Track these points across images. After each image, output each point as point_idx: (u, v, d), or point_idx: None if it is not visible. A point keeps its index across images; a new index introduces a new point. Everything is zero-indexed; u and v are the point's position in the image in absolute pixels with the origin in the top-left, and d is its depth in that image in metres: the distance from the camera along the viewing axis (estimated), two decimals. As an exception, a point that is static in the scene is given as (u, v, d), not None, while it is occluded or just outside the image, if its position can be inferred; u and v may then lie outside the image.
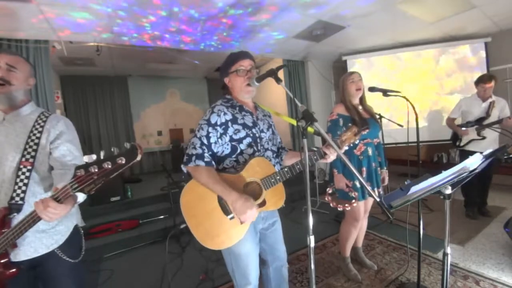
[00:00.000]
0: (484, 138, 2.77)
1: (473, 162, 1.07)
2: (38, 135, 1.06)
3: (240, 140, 1.21)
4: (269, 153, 1.31)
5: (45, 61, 2.89)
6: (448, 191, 1.16)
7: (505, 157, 3.59)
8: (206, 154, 1.15)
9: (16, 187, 0.99)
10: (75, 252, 1.15)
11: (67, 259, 1.10)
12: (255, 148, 1.25)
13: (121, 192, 3.65)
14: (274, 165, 1.29)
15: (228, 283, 2.07)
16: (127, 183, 4.06)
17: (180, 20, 2.79)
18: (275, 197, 1.26)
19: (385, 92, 1.81)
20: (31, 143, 1.04)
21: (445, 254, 1.25)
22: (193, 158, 1.13)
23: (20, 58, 1.10)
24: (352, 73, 1.92)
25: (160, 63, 5.09)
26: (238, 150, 1.22)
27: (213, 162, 1.18)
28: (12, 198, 0.98)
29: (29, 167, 1.02)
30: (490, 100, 2.75)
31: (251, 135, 1.24)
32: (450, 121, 3.09)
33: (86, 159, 0.79)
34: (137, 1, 2.35)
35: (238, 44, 3.69)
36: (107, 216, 3.29)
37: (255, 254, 1.27)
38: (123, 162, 0.78)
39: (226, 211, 1.15)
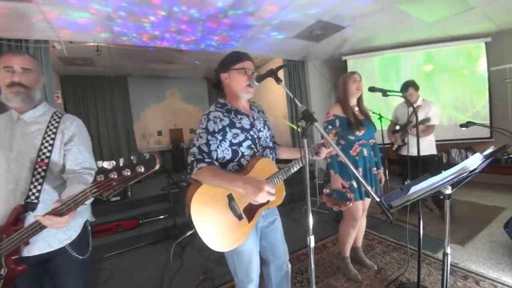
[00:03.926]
0: (404, 144, 2.88)
1: (473, 162, 1.06)
2: (52, 136, 1.10)
3: (240, 144, 1.22)
4: (267, 151, 1.33)
5: (45, 61, 2.89)
6: (448, 191, 1.15)
7: (505, 157, 3.60)
8: (206, 158, 1.14)
9: (32, 186, 1.03)
10: (83, 248, 1.18)
11: (76, 255, 1.13)
12: (255, 149, 1.26)
13: (121, 192, 3.65)
14: (275, 164, 1.32)
15: (228, 283, 2.07)
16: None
17: (180, 20, 2.79)
18: (277, 194, 1.26)
19: (384, 92, 1.81)
20: (46, 144, 1.08)
21: (445, 254, 1.25)
22: (194, 164, 1.12)
23: (30, 58, 1.12)
24: (354, 72, 1.93)
25: (160, 63, 5.09)
26: (240, 154, 1.22)
27: (216, 163, 1.18)
28: (28, 197, 1.02)
29: (44, 167, 1.06)
30: (415, 105, 2.79)
31: (250, 137, 1.25)
32: (389, 126, 3.16)
33: (106, 165, 0.81)
34: (137, 1, 2.35)
35: (238, 44, 3.69)
36: (107, 216, 3.28)
37: (256, 251, 1.28)
38: (142, 170, 0.81)
39: (236, 213, 1.15)
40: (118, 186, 0.82)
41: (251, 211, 1.19)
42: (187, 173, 1.17)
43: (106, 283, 2.29)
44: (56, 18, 2.48)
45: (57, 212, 0.87)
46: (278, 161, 1.40)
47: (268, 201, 1.21)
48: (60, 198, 1.01)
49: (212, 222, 1.12)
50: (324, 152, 1.32)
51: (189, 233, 2.70)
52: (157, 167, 0.82)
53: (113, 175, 0.79)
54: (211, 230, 1.12)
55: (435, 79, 4.23)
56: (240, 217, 1.16)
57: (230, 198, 1.15)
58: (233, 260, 1.25)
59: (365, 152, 1.90)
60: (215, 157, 1.18)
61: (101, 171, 0.80)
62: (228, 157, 1.22)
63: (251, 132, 1.26)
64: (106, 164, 0.81)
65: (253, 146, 1.25)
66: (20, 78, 1.06)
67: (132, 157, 0.82)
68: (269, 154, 1.33)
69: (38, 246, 1.05)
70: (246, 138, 1.23)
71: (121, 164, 0.81)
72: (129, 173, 0.80)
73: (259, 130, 1.31)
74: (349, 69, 4.55)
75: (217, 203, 1.14)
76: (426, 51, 4.18)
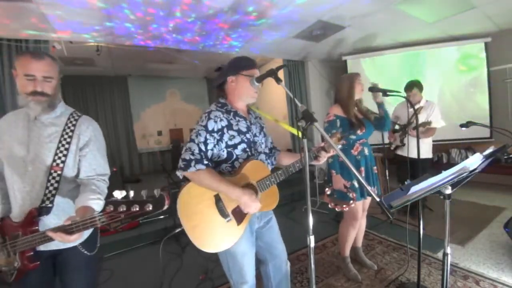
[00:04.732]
0: (403, 145, 2.86)
1: (473, 162, 1.06)
2: (68, 140, 1.10)
3: (235, 146, 1.23)
4: (262, 156, 1.33)
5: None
6: (448, 191, 1.16)
7: (505, 157, 3.60)
8: (204, 159, 1.15)
9: (47, 191, 1.05)
10: (92, 246, 1.21)
11: (85, 252, 1.16)
12: (249, 153, 1.27)
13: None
14: (268, 168, 1.33)
15: (227, 283, 2.06)
16: (127, 183, 4.06)
17: (180, 20, 2.79)
18: (270, 199, 1.29)
19: (385, 92, 1.81)
20: (62, 148, 1.09)
21: (445, 254, 1.25)
22: (192, 163, 1.11)
23: (51, 62, 1.09)
24: (358, 74, 1.95)
25: (160, 63, 5.09)
26: (234, 156, 1.24)
27: (210, 164, 1.19)
28: (43, 201, 1.04)
29: (59, 172, 1.07)
30: (417, 106, 2.75)
31: (246, 140, 1.25)
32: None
33: (117, 194, 0.84)
34: (137, 1, 2.35)
35: (238, 44, 3.69)
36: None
37: (251, 253, 1.28)
38: (150, 209, 0.83)
39: (223, 214, 1.17)
40: (125, 220, 0.84)
41: (240, 213, 1.20)
42: (179, 168, 1.14)
43: (106, 283, 2.29)
44: (56, 18, 2.48)
45: (67, 230, 0.90)
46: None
47: None
48: (74, 203, 1.06)
49: (199, 220, 1.14)
50: (324, 156, 1.31)
51: (177, 230, 2.73)
52: (165, 207, 0.84)
53: (122, 208, 0.82)
54: (198, 229, 1.13)
55: (435, 79, 4.22)
56: (227, 218, 1.17)
57: (217, 198, 1.16)
58: (227, 262, 1.26)
59: (366, 151, 1.92)
60: (210, 156, 1.19)
61: (111, 202, 0.82)
62: (222, 157, 1.23)
63: (247, 136, 1.27)
64: (116, 194, 0.83)
65: (248, 149, 1.26)
66: (43, 87, 1.05)
67: (142, 193, 0.84)
68: (265, 160, 1.34)
69: (55, 243, 1.07)
70: (242, 141, 1.24)
71: (130, 197, 0.83)
72: (137, 209, 0.82)
73: (255, 135, 1.32)
74: (349, 69, 4.55)
75: (203, 202, 1.15)
76: (426, 51, 4.18)
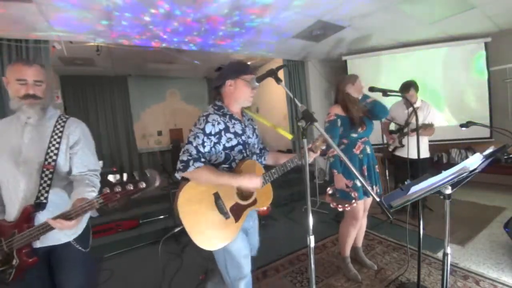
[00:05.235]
0: (402, 146, 2.85)
1: (473, 162, 1.06)
2: (58, 140, 1.17)
3: (232, 148, 1.27)
4: (254, 157, 1.40)
5: (45, 61, 2.88)
6: (448, 191, 1.16)
7: (505, 157, 3.60)
8: (201, 158, 1.19)
9: (41, 187, 1.11)
10: (85, 242, 1.26)
11: (79, 248, 1.21)
12: (244, 154, 1.32)
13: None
14: (261, 166, 1.40)
15: (228, 283, 2.07)
16: (127, 183, 4.05)
17: (180, 20, 2.79)
18: (264, 196, 1.36)
19: (385, 92, 1.81)
20: (52, 148, 1.15)
21: (445, 254, 1.25)
22: (191, 162, 1.14)
23: (40, 68, 1.17)
24: (357, 76, 1.96)
25: (160, 63, 5.09)
26: (231, 158, 1.28)
27: (208, 162, 1.23)
28: (37, 198, 1.10)
29: (51, 170, 1.13)
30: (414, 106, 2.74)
31: (241, 142, 1.30)
32: (384, 125, 3.15)
33: (111, 178, 0.91)
34: (137, 1, 2.35)
35: (238, 44, 3.69)
36: (107, 216, 3.28)
37: (247, 249, 1.33)
38: (143, 186, 0.91)
39: (222, 212, 1.20)
40: (121, 199, 0.90)
41: (238, 210, 1.24)
42: (178, 169, 1.16)
43: (106, 283, 2.29)
44: (56, 18, 2.48)
45: (66, 217, 0.95)
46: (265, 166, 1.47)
47: (255, 202, 1.29)
48: (69, 198, 1.12)
49: (199, 218, 1.17)
50: (311, 157, 1.35)
51: (177, 229, 2.74)
52: (157, 183, 0.91)
53: (117, 189, 0.88)
54: (198, 227, 1.16)
55: (434, 79, 4.22)
56: (226, 216, 1.20)
57: (217, 196, 1.20)
58: (225, 260, 1.28)
59: (368, 149, 1.92)
60: (207, 158, 1.23)
61: (107, 184, 0.88)
62: (220, 159, 1.27)
63: (243, 138, 1.32)
64: (111, 178, 0.88)
65: (243, 151, 1.31)
66: (34, 90, 1.13)
67: (134, 173, 0.90)
68: (256, 160, 1.40)
69: (51, 239, 1.12)
70: (238, 143, 1.29)
71: (124, 179, 0.89)
72: (131, 188, 0.89)
73: (249, 137, 1.37)
74: (349, 69, 4.54)
75: (202, 200, 1.18)
76: (426, 51, 4.18)
